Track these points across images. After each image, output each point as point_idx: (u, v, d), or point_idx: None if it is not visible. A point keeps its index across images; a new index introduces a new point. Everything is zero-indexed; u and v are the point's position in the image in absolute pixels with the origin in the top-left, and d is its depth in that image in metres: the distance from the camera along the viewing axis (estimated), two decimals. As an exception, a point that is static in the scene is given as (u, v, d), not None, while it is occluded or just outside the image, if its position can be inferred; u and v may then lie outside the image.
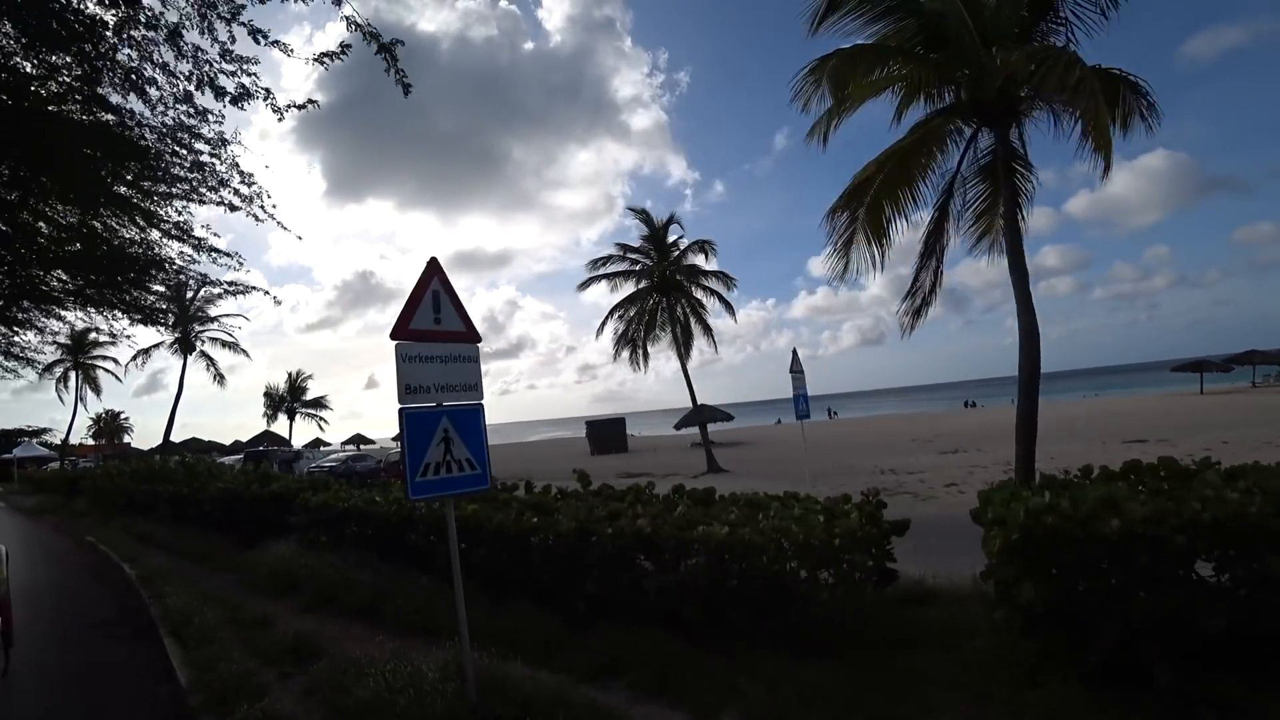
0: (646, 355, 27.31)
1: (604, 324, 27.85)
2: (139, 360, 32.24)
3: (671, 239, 27.17)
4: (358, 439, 59.16)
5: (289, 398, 43.73)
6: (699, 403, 42.87)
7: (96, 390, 38.51)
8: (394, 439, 58.29)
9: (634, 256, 27.40)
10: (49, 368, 36.16)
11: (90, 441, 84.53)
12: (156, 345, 32.71)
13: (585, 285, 28.19)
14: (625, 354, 27.69)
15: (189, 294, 26.72)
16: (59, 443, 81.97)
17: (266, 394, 42.36)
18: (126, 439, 77.92)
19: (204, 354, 32.57)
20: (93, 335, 34.93)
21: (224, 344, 34.05)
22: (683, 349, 26.67)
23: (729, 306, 26.76)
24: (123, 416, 75.85)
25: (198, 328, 32.72)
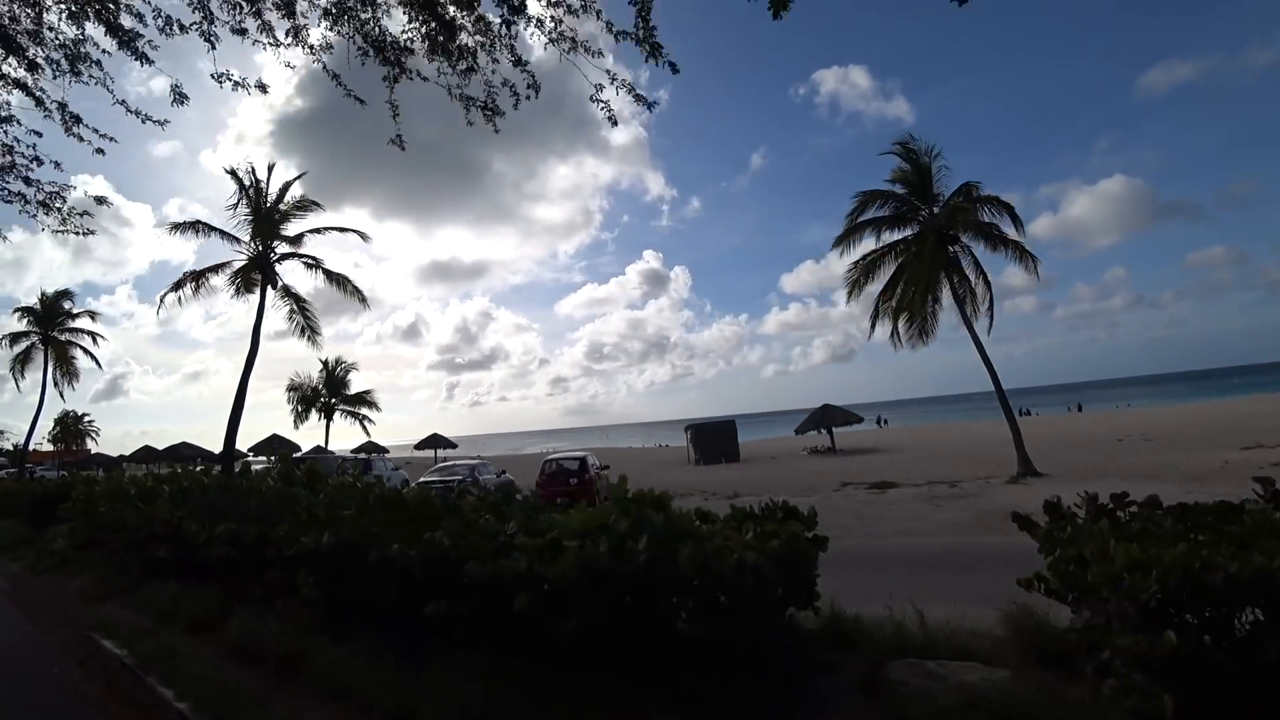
0: (925, 321, 20.26)
1: (851, 289, 20.94)
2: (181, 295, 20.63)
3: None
4: (370, 447, 50.66)
5: (326, 393, 34.86)
6: (824, 404, 36.01)
7: (71, 377, 29.13)
8: (413, 447, 50.87)
9: (899, 199, 20.31)
10: (10, 342, 27.81)
11: (47, 446, 74.17)
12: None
13: (844, 240, 21.09)
14: (884, 325, 20.65)
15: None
16: (11, 447, 71.85)
17: (294, 389, 33.45)
18: (90, 445, 67.93)
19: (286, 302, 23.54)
20: (68, 305, 26.59)
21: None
22: (971, 312, 19.62)
23: (1026, 256, 19.56)
24: (87, 419, 65.98)
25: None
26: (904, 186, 20.76)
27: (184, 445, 39.81)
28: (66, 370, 28.53)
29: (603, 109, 4.63)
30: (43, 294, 27.54)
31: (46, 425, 54.48)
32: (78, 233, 7.07)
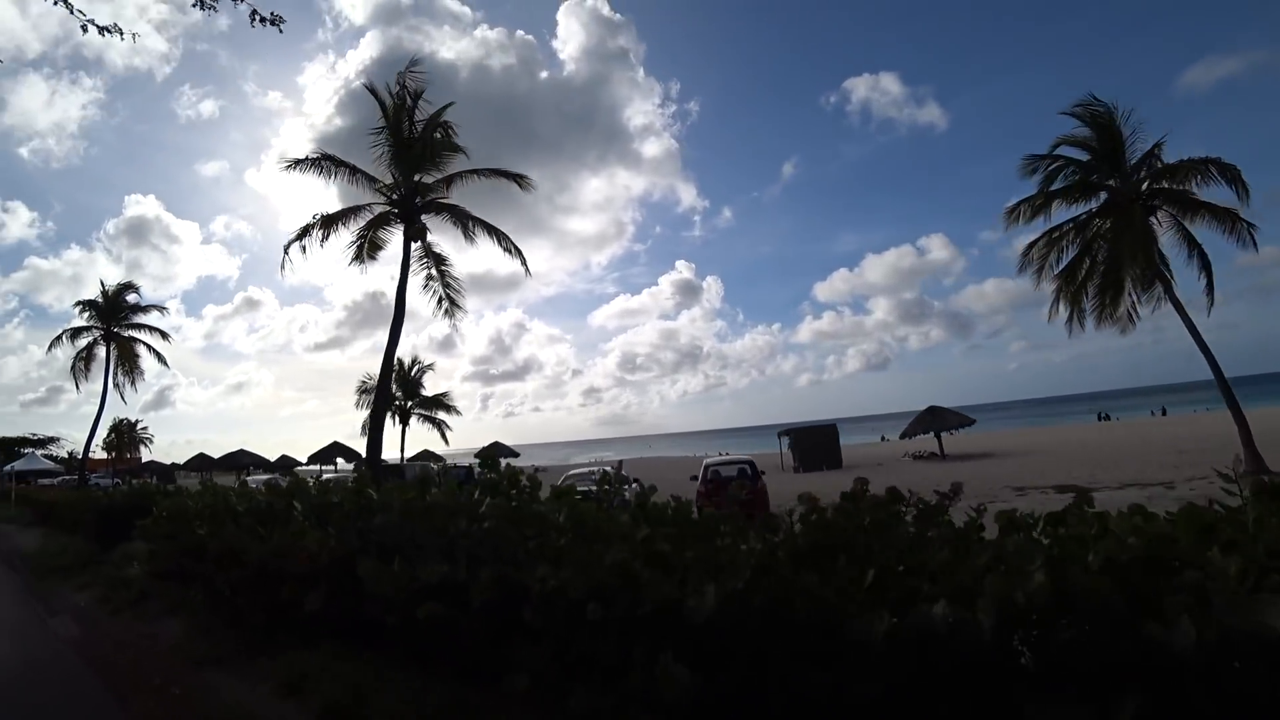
0: (1119, 304, 17.22)
1: (1040, 268, 18.02)
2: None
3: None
4: (426, 455, 48.63)
5: (401, 396, 32.27)
6: (933, 406, 32.65)
7: (134, 376, 26.34)
8: (470, 454, 47.98)
9: (1082, 165, 17.31)
10: (70, 337, 25.60)
11: (100, 454, 74.36)
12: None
13: (1030, 212, 18.04)
14: (1081, 308, 17.66)
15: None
16: (66, 454, 72.04)
17: (367, 392, 30.80)
18: (143, 453, 67.66)
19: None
20: (132, 299, 24.80)
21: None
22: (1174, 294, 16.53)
23: (1240, 225, 16.25)
24: (140, 426, 65.58)
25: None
26: (1085, 152, 17.57)
27: (241, 453, 38.18)
28: (129, 369, 26.14)
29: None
30: (104, 286, 25.50)
31: (103, 431, 53.61)
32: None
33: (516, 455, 49.30)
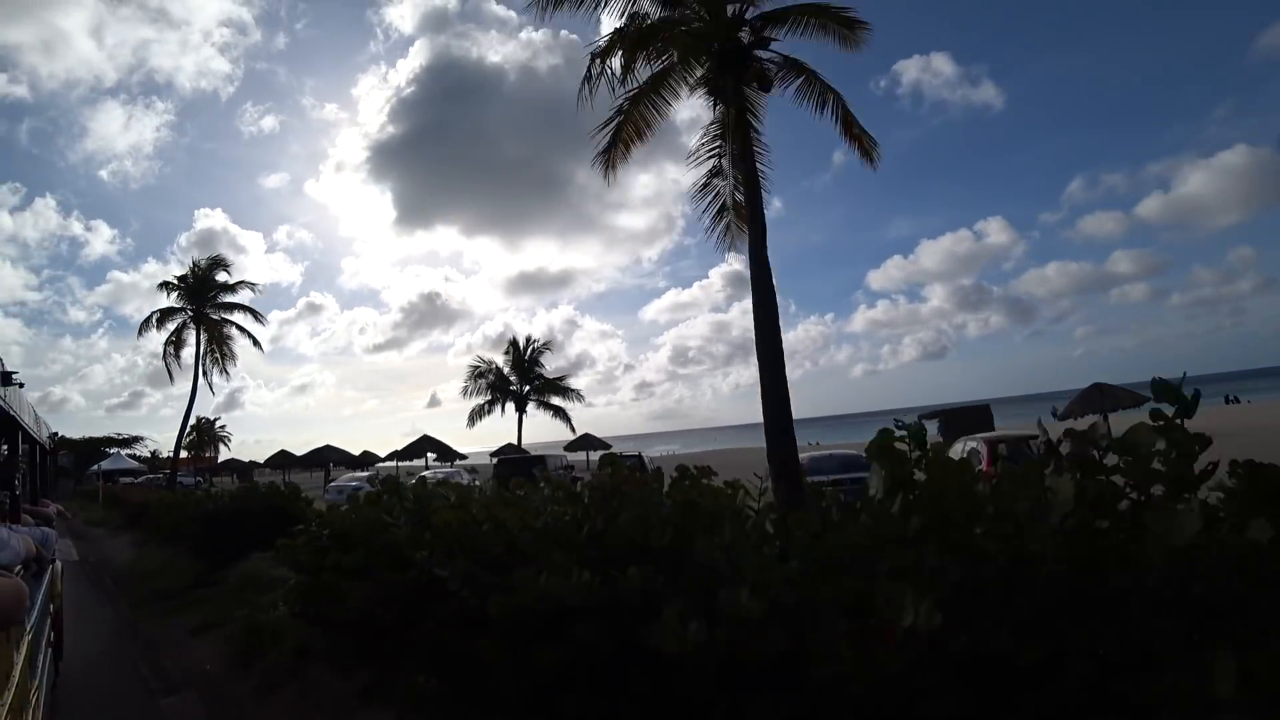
0: None
1: None
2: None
3: None
4: (509, 448, 46.11)
5: (519, 379, 27.49)
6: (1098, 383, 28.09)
7: (225, 362, 23.74)
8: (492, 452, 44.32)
9: None
10: (157, 321, 22.92)
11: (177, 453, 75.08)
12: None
13: None
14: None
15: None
16: (150, 454, 73.03)
17: (480, 375, 27.21)
18: (221, 452, 67.83)
19: None
20: (222, 277, 22.45)
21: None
22: None
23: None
24: (219, 425, 65.58)
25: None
26: None
27: (327, 448, 36.32)
28: (219, 354, 23.44)
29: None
30: (194, 263, 23.14)
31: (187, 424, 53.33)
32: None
33: (609, 447, 46.33)
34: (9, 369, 2.92)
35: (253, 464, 63.40)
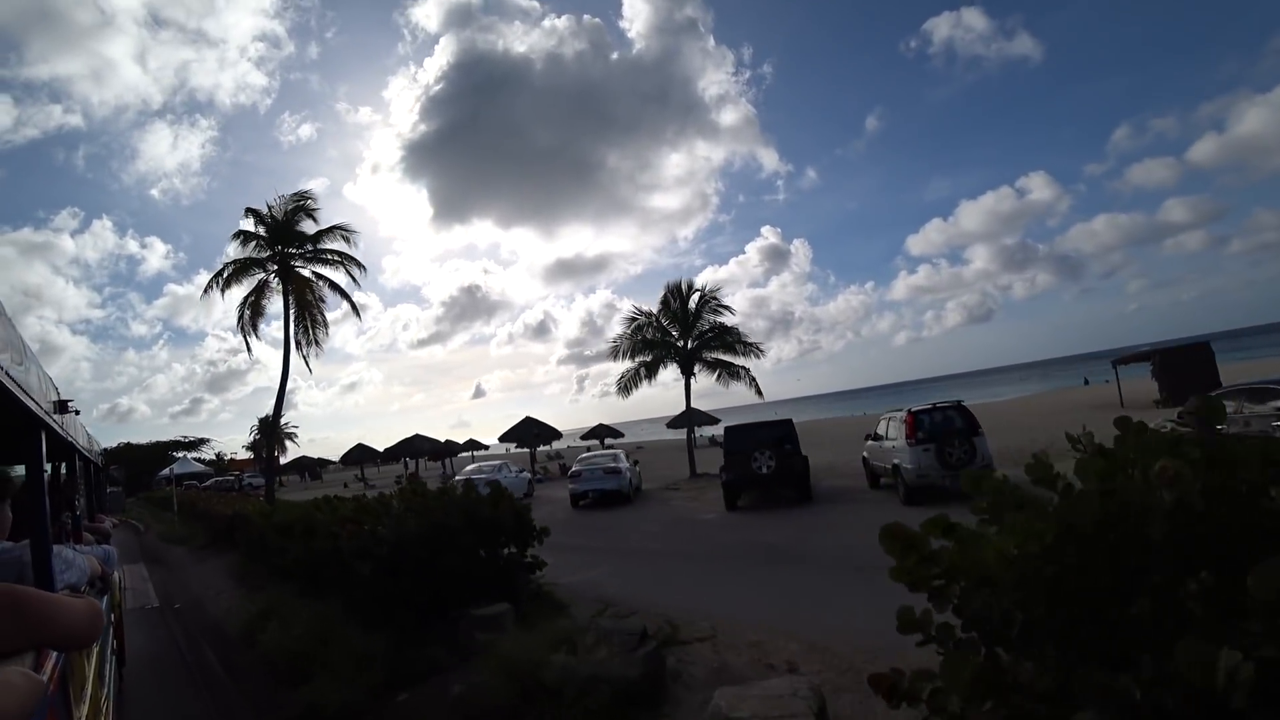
0: None
1: None
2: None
3: None
4: (601, 430, 41.63)
5: (680, 333, 20.36)
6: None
7: (316, 330, 18.27)
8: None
9: None
10: (229, 278, 17.52)
11: (242, 455, 73.11)
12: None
13: None
14: None
15: None
16: (215, 456, 71.24)
17: (636, 329, 20.74)
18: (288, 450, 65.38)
19: None
20: (307, 226, 17.49)
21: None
22: None
23: None
24: (284, 422, 62.92)
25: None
26: None
27: (417, 438, 32.30)
28: (310, 321, 17.80)
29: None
30: (268, 207, 17.38)
31: (243, 429, 50.47)
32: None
33: (621, 435, 42.61)
34: (65, 397, 2.84)
35: (322, 461, 60.89)
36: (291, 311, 16.82)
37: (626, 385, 20.81)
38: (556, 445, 39.41)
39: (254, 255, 17.43)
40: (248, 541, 10.70)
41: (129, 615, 8.96)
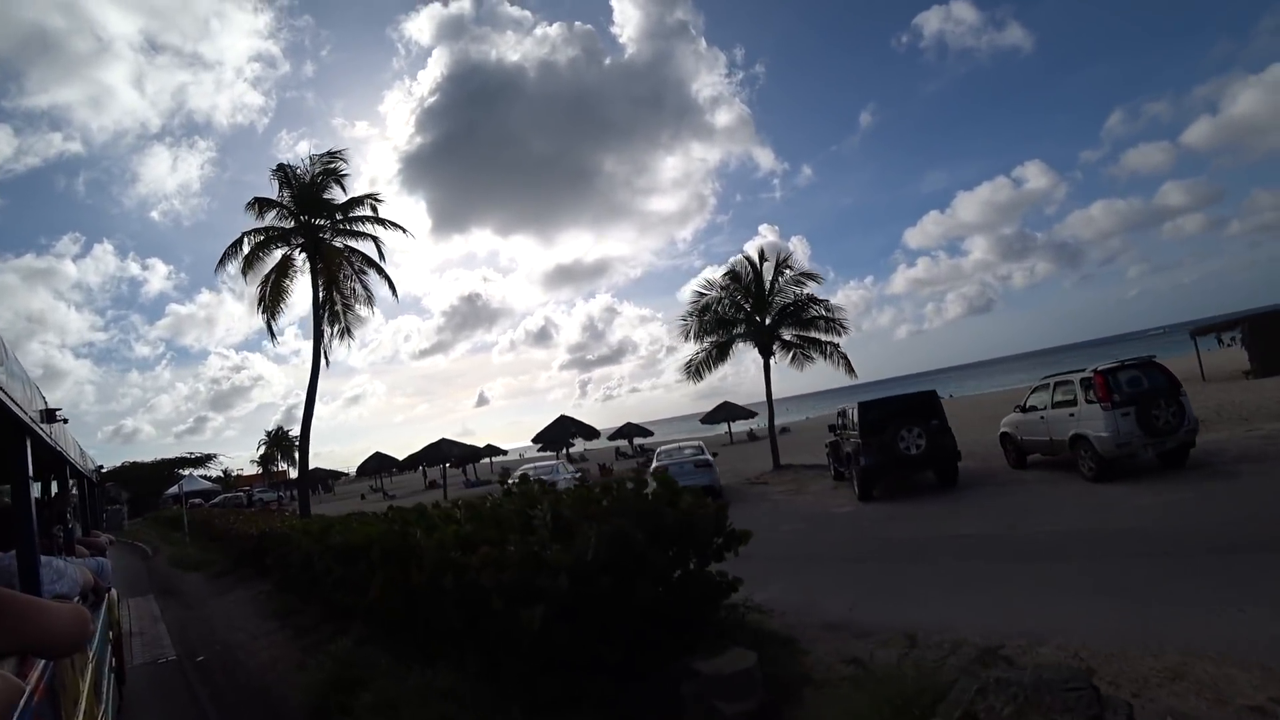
0: None
1: None
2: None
3: None
4: (630, 429, 39.22)
5: (754, 309, 17.52)
6: None
7: (349, 316, 15.61)
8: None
9: None
10: (251, 253, 14.79)
11: (249, 470, 70.53)
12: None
13: None
14: None
15: None
16: (222, 473, 68.63)
17: (703, 309, 18.00)
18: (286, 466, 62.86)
19: None
20: (336, 195, 14.52)
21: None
22: None
23: None
24: (293, 435, 60.37)
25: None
26: None
27: (444, 442, 29.87)
28: (341, 304, 14.97)
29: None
30: (288, 170, 14.67)
31: (251, 442, 48.00)
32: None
33: (650, 434, 40.09)
34: (53, 406, 2.86)
35: (333, 473, 58.39)
36: (320, 291, 14.28)
37: (697, 369, 18.24)
38: (586, 446, 37.09)
39: (277, 225, 14.78)
40: (285, 568, 8.34)
41: (138, 671, 6.65)
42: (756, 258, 17.36)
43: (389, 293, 15.39)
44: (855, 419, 11.34)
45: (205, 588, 11.54)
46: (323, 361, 15.21)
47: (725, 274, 17.82)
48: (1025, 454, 11.87)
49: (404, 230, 14.95)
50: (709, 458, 13.78)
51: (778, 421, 19.31)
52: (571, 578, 3.43)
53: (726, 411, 35.89)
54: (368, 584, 5.47)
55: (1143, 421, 9.32)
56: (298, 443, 14.45)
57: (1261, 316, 24.57)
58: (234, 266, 13.93)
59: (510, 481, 5.63)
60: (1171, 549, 6.11)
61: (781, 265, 17.22)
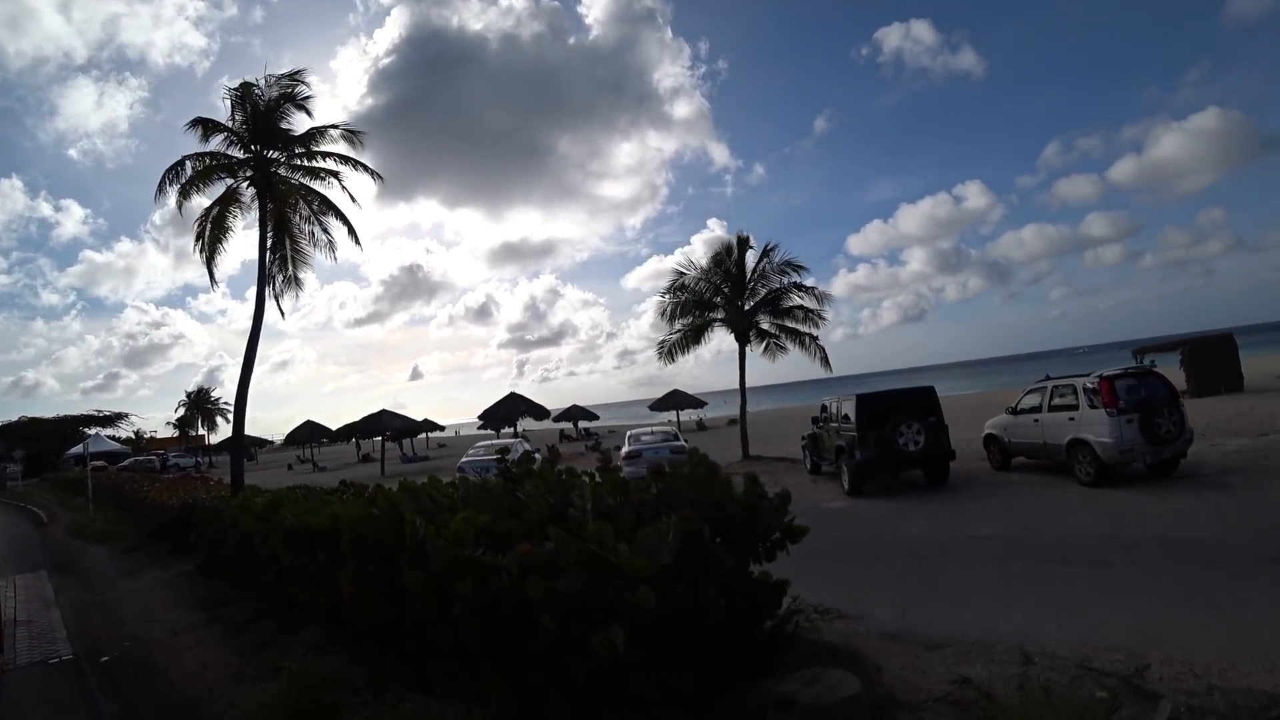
0: None
1: None
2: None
3: None
4: (575, 411, 38.04)
5: (732, 293, 17.06)
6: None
7: (298, 262, 13.60)
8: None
9: None
10: (189, 182, 12.57)
11: (164, 433, 65.41)
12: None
13: None
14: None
15: None
16: (134, 434, 63.39)
17: (679, 288, 17.39)
18: (204, 432, 58.62)
19: None
20: (293, 123, 12.46)
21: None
22: None
23: None
24: (215, 397, 56.24)
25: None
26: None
27: (385, 414, 27.93)
28: (291, 250, 13.26)
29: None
30: (255, 87, 12.66)
31: (172, 403, 44.45)
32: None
33: (596, 418, 39.44)
34: None
35: (259, 440, 54.75)
36: (270, 235, 12.33)
37: (671, 351, 17.40)
38: (525, 427, 35.78)
39: (223, 152, 12.74)
40: (213, 547, 7.07)
41: (21, 675, 5.36)
42: (737, 242, 16.61)
43: (310, 274, 13.51)
44: (850, 412, 10.81)
45: (112, 565, 10.01)
46: (277, 312, 13.62)
47: (712, 256, 16.99)
48: (1010, 456, 11.67)
49: (376, 175, 13.18)
50: (684, 444, 13.04)
51: (721, 413, 18.97)
52: (657, 591, 2.56)
53: (675, 399, 35.28)
54: (331, 578, 4.43)
55: (1145, 429, 9.17)
56: (233, 404, 12.65)
57: (1200, 341, 25.78)
58: (174, 197, 11.95)
59: (508, 459, 4.68)
60: (1215, 558, 5.85)
61: (767, 252, 16.54)
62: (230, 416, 47.65)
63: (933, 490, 10.45)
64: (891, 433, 10.03)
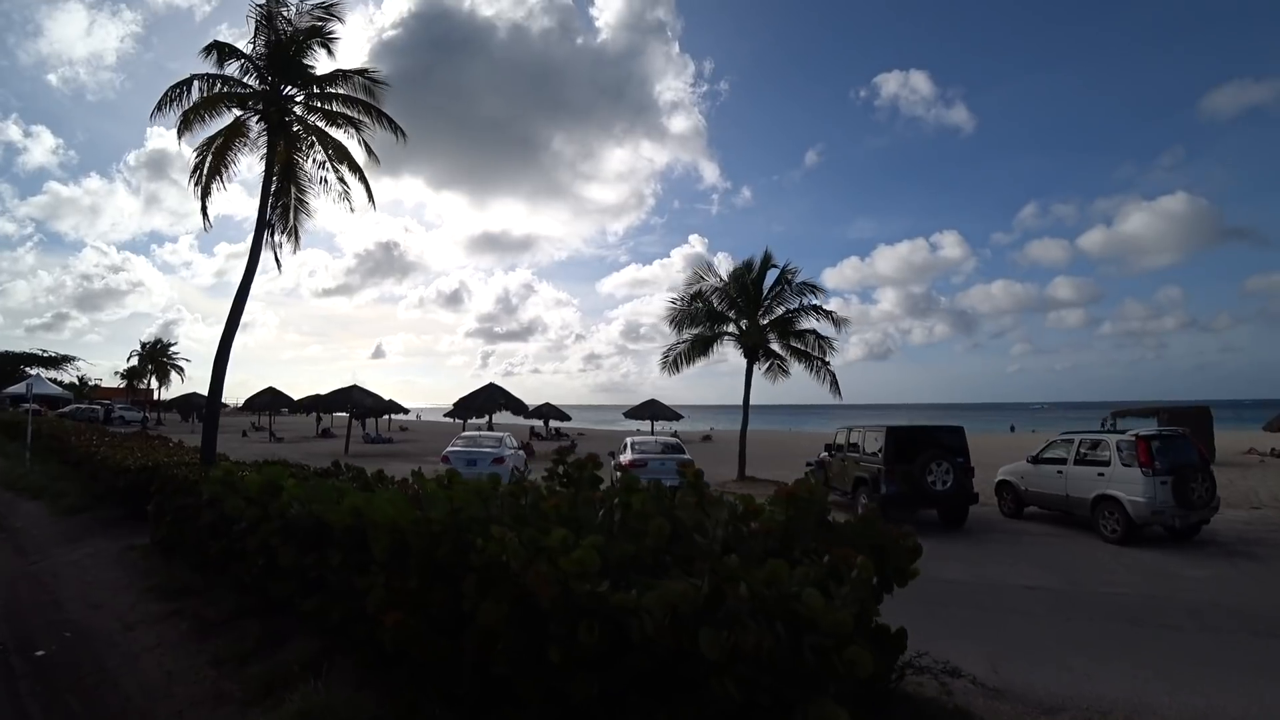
0: None
1: None
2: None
3: None
4: (547, 409, 36.99)
5: (746, 308, 17.26)
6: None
7: (299, 212, 12.55)
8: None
9: None
10: (192, 111, 11.23)
11: (109, 383, 61.80)
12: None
13: None
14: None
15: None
16: (78, 380, 59.83)
17: (695, 297, 17.29)
18: (156, 386, 55.56)
19: None
20: (317, 61, 11.32)
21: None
22: None
23: None
24: (174, 351, 53.32)
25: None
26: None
27: (357, 390, 26.17)
28: (295, 198, 12.27)
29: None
30: (263, 10, 11.41)
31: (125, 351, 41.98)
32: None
33: (569, 419, 38.46)
34: None
35: (210, 401, 51.79)
36: (275, 179, 11.25)
37: (676, 361, 16.71)
38: (497, 422, 34.61)
39: (238, 78, 11.58)
40: (179, 524, 6.11)
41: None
42: (761, 259, 16.04)
43: (285, 237, 12.36)
44: (878, 444, 10.31)
45: (48, 528, 8.86)
46: (273, 264, 12.48)
47: (732, 270, 16.45)
48: (1024, 504, 11.34)
49: (400, 131, 12.02)
50: (689, 457, 12.34)
51: (697, 429, 18.38)
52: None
53: (652, 409, 34.49)
54: (347, 587, 3.64)
55: (1178, 492, 8.92)
56: (213, 360, 11.56)
57: (1178, 411, 26.22)
58: (175, 123, 10.68)
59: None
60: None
61: (787, 272, 16.04)
62: (184, 373, 44.72)
63: (948, 533, 10.00)
64: (921, 470, 9.56)
